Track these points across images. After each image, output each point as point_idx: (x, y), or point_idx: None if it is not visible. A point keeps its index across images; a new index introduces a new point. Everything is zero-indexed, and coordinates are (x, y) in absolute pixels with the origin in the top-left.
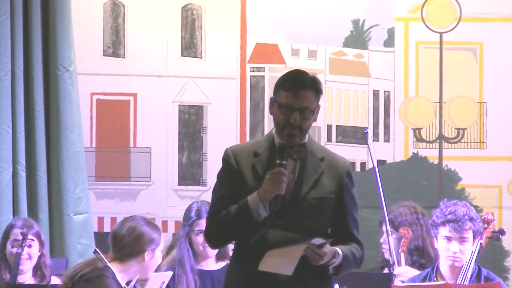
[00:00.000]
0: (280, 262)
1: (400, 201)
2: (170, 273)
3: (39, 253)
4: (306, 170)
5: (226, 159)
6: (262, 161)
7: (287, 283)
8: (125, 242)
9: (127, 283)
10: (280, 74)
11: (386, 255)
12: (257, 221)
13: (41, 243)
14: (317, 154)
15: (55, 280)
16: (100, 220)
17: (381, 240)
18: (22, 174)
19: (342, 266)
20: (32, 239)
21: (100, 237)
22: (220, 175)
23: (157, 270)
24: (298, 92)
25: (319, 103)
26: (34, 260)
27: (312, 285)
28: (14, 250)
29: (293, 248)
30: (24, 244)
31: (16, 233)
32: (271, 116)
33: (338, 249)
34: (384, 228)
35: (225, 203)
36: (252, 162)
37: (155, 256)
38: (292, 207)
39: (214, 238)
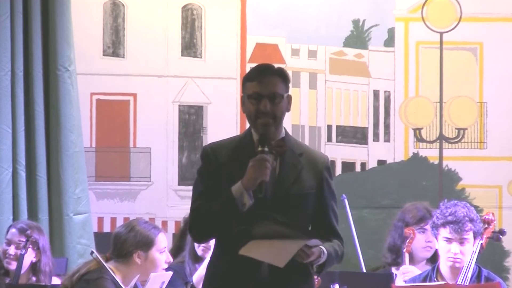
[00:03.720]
0: (269, 251)
1: (417, 203)
2: (170, 273)
3: (34, 259)
4: (286, 166)
5: (205, 155)
6: (241, 157)
7: (269, 280)
8: (114, 245)
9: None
10: None
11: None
12: (242, 211)
13: (37, 250)
14: (295, 150)
15: (55, 281)
16: (100, 220)
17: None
18: (22, 174)
19: (325, 265)
20: (23, 241)
21: (100, 237)
22: (201, 172)
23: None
24: (263, 78)
25: (290, 93)
26: (25, 261)
27: (293, 282)
28: (4, 248)
29: (289, 242)
30: (28, 246)
31: (13, 233)
32: None
33: (323, 248)
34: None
35: (208, 198)
36: (232, 158)
37: (149, 258)
38: (274, 204)
39: (199, 232)
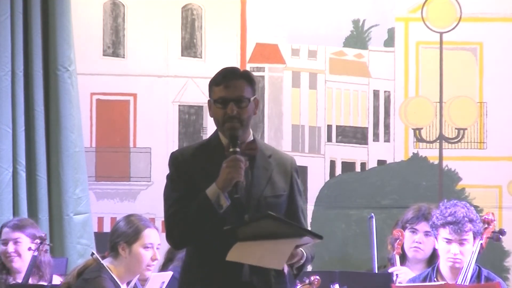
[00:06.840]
0: (261, 254)
1: (421, 203)
2: (170, 273)
3: (34, 253)
4: (257, 168)
5: (176, 161)
6: (211, 160)
7: (250, 281)
8: (109, 234)
9: (128, 283)
10: (281, 74)
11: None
12: (219, 212)
13: (33, 239)
14: (265, 151)
15: (56, 279)
16: (100, 220)
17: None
18: (22, 174)
19: (303, 267)
20: (19, 237)
21: (100, 237)
22: (172, 177)
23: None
24: (229, 82)
25: (256, 96)
26: (25, 256)
27: (272, 283)
28: (2, 248)
29: (280, 242)
30: (41, 248)
31: (6, 231)
32: (271, 116)
33: (303, 250)
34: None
35: (182, 203)
36: (202, 162)
37: (132, 252)
38: (249, 206)
39: (177, 238)
